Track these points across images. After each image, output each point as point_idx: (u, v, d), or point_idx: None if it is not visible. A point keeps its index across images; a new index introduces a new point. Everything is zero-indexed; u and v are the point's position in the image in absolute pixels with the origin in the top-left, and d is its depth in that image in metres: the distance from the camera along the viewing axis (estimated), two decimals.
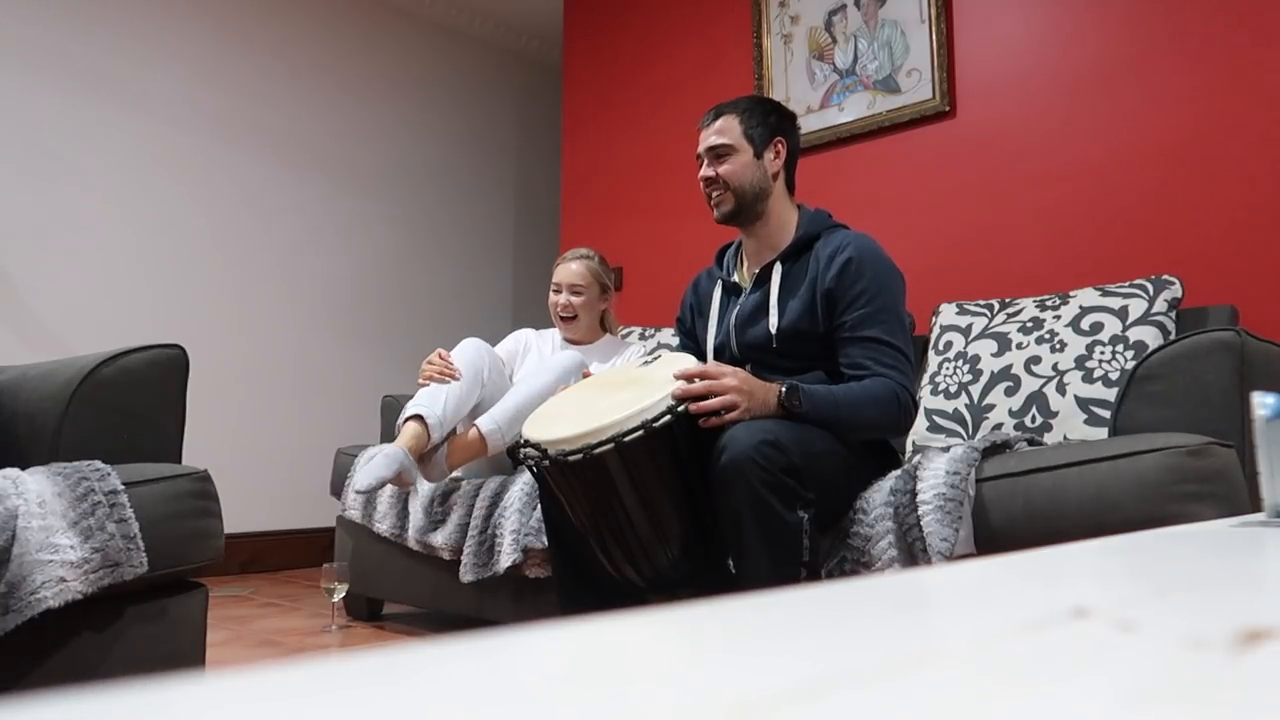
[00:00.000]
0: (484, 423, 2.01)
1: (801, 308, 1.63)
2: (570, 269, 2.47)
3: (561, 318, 2.48)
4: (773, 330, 1.65)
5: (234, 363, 3.47)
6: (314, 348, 3.74)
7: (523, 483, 2.00)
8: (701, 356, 1.79)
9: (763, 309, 1.68)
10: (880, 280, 1.60)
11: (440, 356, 2.16)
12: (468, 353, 2.17)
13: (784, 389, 1.47)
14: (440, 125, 4.28)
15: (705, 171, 1.72)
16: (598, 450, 1.36)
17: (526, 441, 1.47)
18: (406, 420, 1.99)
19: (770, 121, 1.72)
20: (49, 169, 3.10)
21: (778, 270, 1.69)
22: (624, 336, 2.80)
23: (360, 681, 0.28)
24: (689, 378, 1.43)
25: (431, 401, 2.01)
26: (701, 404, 1.40)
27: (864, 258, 1.61)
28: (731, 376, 1.43)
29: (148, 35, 3.37)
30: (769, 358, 1.67)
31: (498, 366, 2.23)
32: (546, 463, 1.41)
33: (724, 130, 1.70)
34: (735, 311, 1.73)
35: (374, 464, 1.87)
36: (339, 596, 2.36)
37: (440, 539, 2.12)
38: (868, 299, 1.58)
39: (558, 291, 2.49)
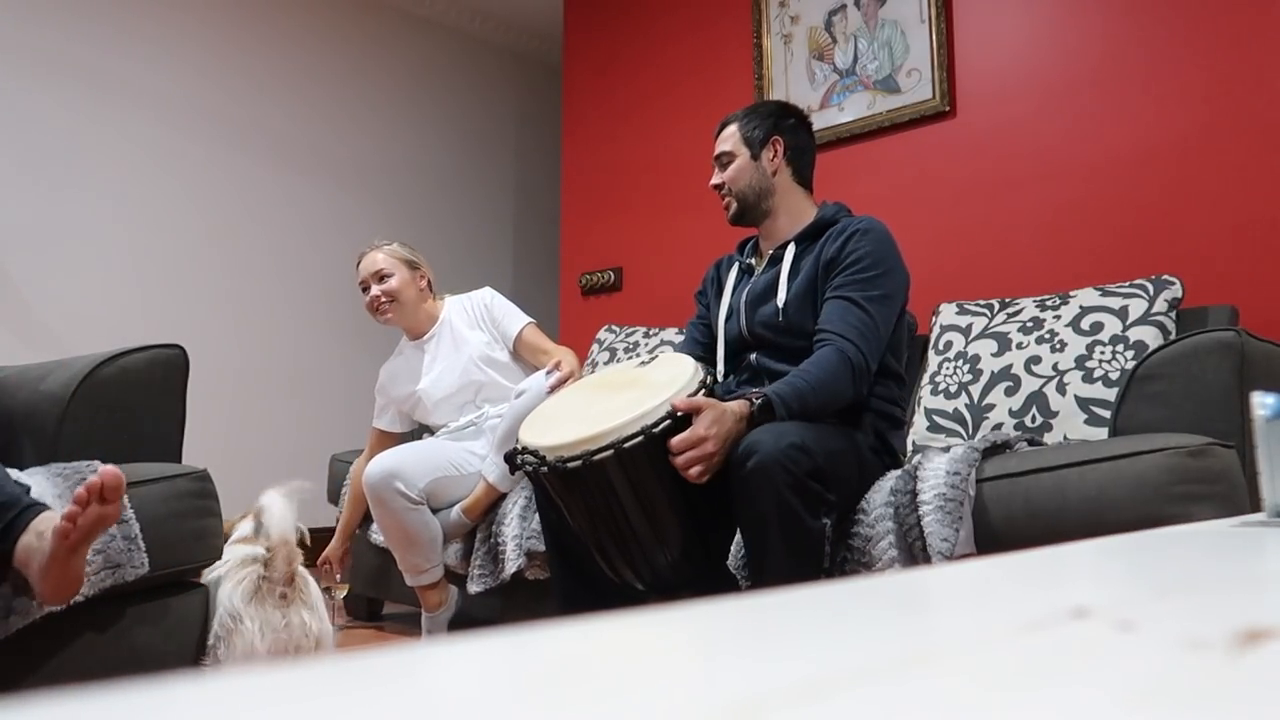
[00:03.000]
0: (490, 472, 2.08)
1: (807, 281, 1.65)
2: (372, 259, 2.34)
3: (378, 312, 2.33)
4: (780, 305, 1.66)
5: (234, 363, 3.47)
6: (314, 348, 3.74)
7: (521, 489, 2.04)
8: (713, 336, 1.81)
9: (773, 288, 1.70)
10: (880, 254, 1.61)
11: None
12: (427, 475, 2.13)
13: (755, 409, 1.44)
14: (440, 125, 4.28)
15: (713, 179, 1.79)
16: (597, 457, 1.35)
17: (524, 448, 1.45)
18: (424, 589, 2.13)
19: (767, 123, 1.75)
20: (49, 169, 3.10)
21: (790, 250, 1.71)
22: (614, 347, 2.68)
23: (360, 681, 0.28)
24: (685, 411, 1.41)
25: (434, 559, 2.11)
26: (681, 458, 1.36)
27: (871, 232, 1.63)
28: (709, 440, 1.37)
29: (147, 36, 3.37)
30: (777, 336, 1.68)
31: (445, 455, 2.18)
32: (545, 469, 1.40)
33: (726, 138, 1.78)
34: (747, 290, 1.75)
35: (438, 636, 2.02)
36: (340, 596, 2.36)
37: (449, 557, 2.16)
38: (861, 267, 1.59)
39: (365, 288, 2.34)
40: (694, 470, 1.36)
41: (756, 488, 1.34)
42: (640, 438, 1.35)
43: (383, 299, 2.31)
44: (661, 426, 1.37)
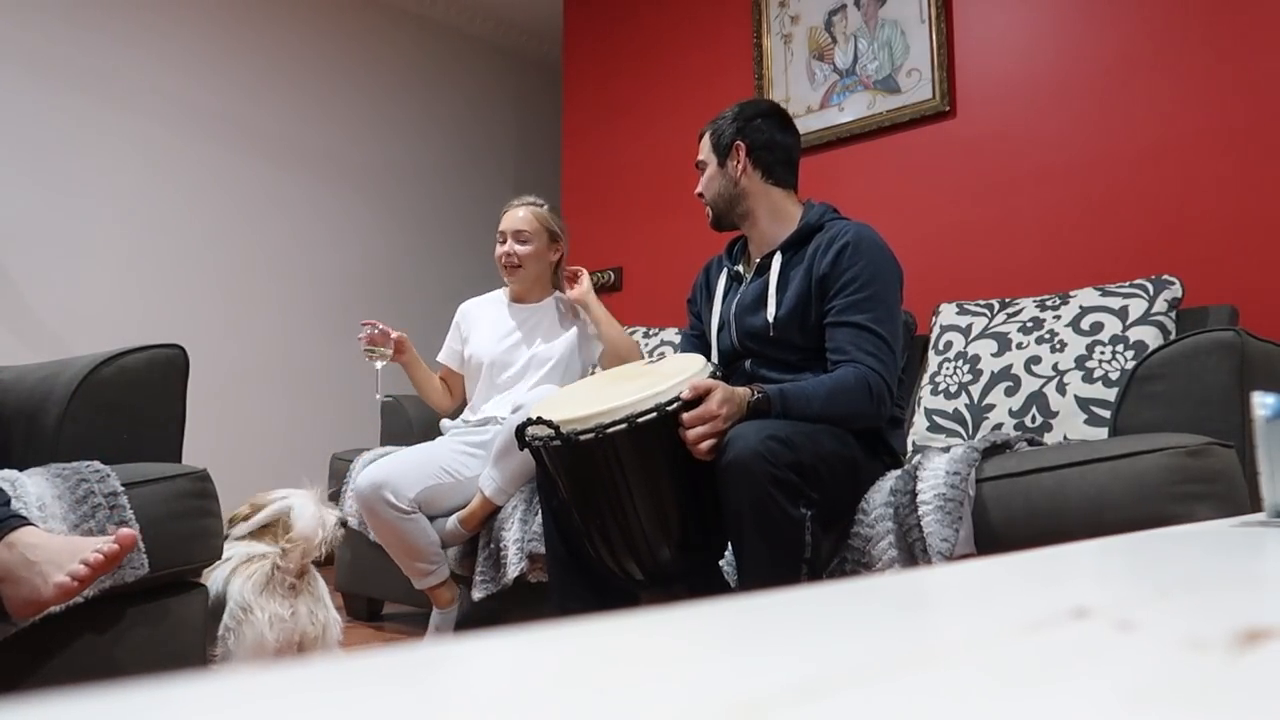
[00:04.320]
0: (486, 486, 2.07)
1: (798, 295, 1.64)
2: (515, 215, 2.34)
3: (505, 266, 2.36)
4: (770, 319, 1.66)
5: (234, 363, 3.47)
6: (314, 347, 3.74)
7: (520, 493, 2.03)
8: (706, 342, 1.81)
9: (762, 299, 1.69)
10: (874, 268, 1.60)
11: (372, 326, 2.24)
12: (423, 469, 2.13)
13: (753, 399, 1.47)
14: (439, 125, 4.28)
15: (696, 188, 1.82)
16: (611, 429, 1.38)
17: (539, 419, 1.46)
18: (432, 589, 2.10)
19: (731, 128, 1.76)
20: (49, 170, 3.10)
21: (777, 259, 1.70)
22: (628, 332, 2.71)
23: (359, 682, 0.28)
24: (697, 393, 1.44)
25: (436, 560, 2.10)
26: (693, 431, 1.41)
27: (861, 244, 1.62)
28: (720, 417, 1.42)
29: (146, 37, 3.37)
30: (767, 348, 1.68)
31: (444, 456, 2.17)
32: (557, 442, 1.42)
33: (702, 147, 1.81)
34: (736, 299, 1.75)
35: (443, 635, 2.02)
36: (380, 365, 2.26)
37: (448, 558, 2.16)
38: (859, 285, 1.59)
39: (502, 241, 2.36)
40: (705, 445, 1.39)
41: (735, 479, 1.36)
42: (654, 414, 1.39)
43: (514, 259, 2.33)
44: (675, 405, 1.40)
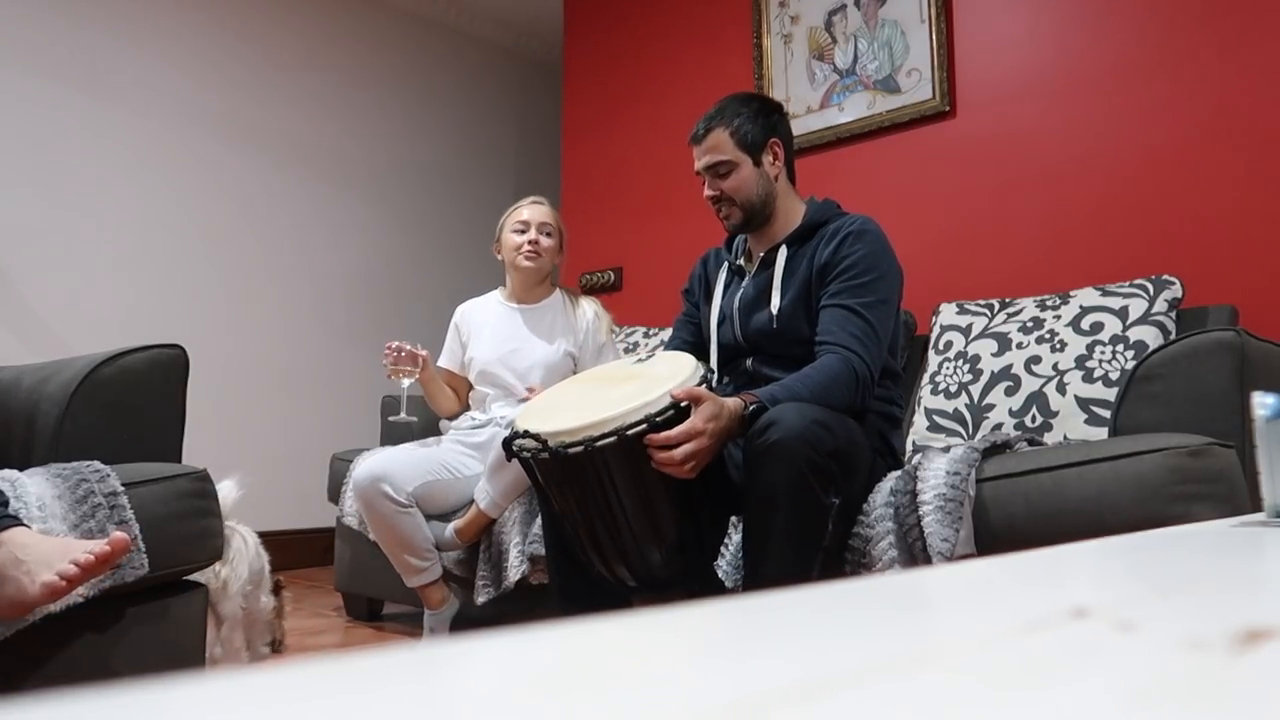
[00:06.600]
0: (481, 499, 2.07)
1: (802, 284, 1.62)
2: (540, 209, 2.37)
3: (525, 255, 2.32)
4: (774, 311, 1.64)
5: (234, 363, 3.47)
6: (314, 347, 3.74)
7: (520, 498, 2.04)
8: (704, 338, 1.78)
9: (766, 293, 1.67)
10: (874, 257, 1.59)
11: (397, 349, 2.21)
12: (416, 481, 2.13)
13: (748, 412, 1.42)
14: (439, 125, 4.28)
15: (709, 191, 1.69)
16: (601, 443, 1.35)
17: (526, 433, 1.43)
18: (424, 587, 2.12)
19: (759, 123, 1.68)
20: (49, 169, 3.10)
21: (783, 253, 1.68)
22: (615, 334, 2.62)
23: (359, 682, 0.28)
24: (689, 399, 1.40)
25: (429, 559, 2.11)
26: (664, 455, 1.35)
27: (865, 235, 1.60)
28: (704, 434, 1.36)
29: (148, 36, 3.37)
30: (771, 343, 1.65)
31: (440, 458, 2.17)
32: (545, 455, 1.39)
33: (717, 146, 1.67)
34: (739, 295, 1.72)
35: (440, 634, 2.03)
36: (406, 385, 2.25)
37: (447, 559, 2.17)
38: (856, 272, 1.57)
39: (523, 230, 2.34)
40: (686, 467, 1.35)
41: (775, 460, 1.34)
42: (644, 425, 1.35)
43: (538, 247, 2.33)
44: (665, 416, 1.37)
